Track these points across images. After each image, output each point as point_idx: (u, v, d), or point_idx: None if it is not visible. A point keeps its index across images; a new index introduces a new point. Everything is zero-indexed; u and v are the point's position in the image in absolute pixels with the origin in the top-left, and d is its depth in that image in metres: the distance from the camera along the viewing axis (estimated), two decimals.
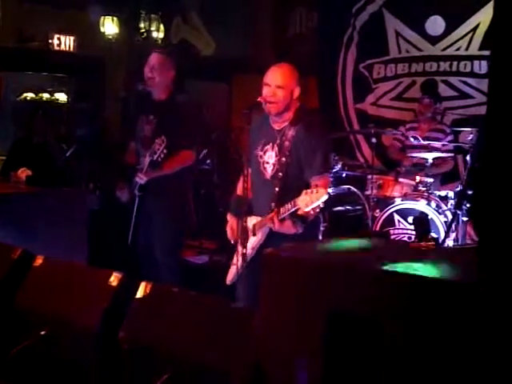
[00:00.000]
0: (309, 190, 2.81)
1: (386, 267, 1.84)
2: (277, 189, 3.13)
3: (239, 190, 3.35)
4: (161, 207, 4.02)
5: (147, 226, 4.05)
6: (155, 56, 4.06)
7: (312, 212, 2.95)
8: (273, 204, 3.10)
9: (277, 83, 3.08)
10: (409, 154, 5.49)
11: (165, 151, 3.93)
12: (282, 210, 3.00)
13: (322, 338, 1.87)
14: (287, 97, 3.10)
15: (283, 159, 3.13)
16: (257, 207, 3.21)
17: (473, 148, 4.87)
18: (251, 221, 3.18)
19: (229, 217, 3.36)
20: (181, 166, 4.01)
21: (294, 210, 2.93)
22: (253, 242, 3.15)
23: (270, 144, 3.20)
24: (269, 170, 3.21)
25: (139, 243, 4.07)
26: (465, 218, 4.78)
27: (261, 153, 3.24)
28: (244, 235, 3.04)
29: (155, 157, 3.94)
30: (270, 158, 3.20)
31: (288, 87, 3.10)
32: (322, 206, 2.85)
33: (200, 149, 4.22)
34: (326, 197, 2.77)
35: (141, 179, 3.94)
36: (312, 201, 2.78)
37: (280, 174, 3.14)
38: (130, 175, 4.06)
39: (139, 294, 2.37)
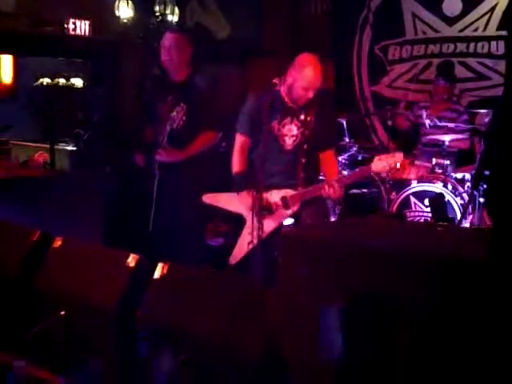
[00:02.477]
0: (383, 156, 3.06)
1: (402, 247, 1.84)
2: (303, 160, 3.33)
3: (238, 167, 3.50)
4: (184, 187, 4.00)
5: (168, 206, 4.05)
6: (170, 36, 4.03)
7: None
8: (301, 174, 3.30)
9: (315, 87, 3.29)
10: (426, 137, 5.45)
11: (184, 118, 3.92)
12: (346, 177, 3.38)
13: (339, 317, 1.88)
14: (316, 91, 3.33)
15: (307, 132, 3.34)
16: (280, 178, 3.36)
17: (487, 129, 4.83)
18: (275, 194, 3.31)
19: (239, 194, 3.41)
20: (204, 146, 3.98)
21: (364, 175, 3.40)
22: (285, 214, 3.29)
23: (289, 118, 3.39)
24: (289, 141, 3.39)
25: (158, 225, 4.07)
26: (482, 199, 4.75)
27: (278, 126, 3.39)
28: (262, 210, 3.09)
29: (174, 125, 3.92)
30: (289, 131, 3.39)
31: (321, 83, 3.32)
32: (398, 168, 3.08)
33: (222, 126, 4.19)
34: (401, 159, 3.01)
35: (160, 155, 3.94)
36: (390, 164, 3.01)
37: (305, 145, 3.34)
38: (148, 150, 4.07)
39: (157, 274, 2.39)
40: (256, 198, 3.17)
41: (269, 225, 3.23)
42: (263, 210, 3.14)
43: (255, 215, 3.15)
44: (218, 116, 4.04)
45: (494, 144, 1.73)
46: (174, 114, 3.91)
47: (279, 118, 3.38)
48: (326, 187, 3.17)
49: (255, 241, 3.15)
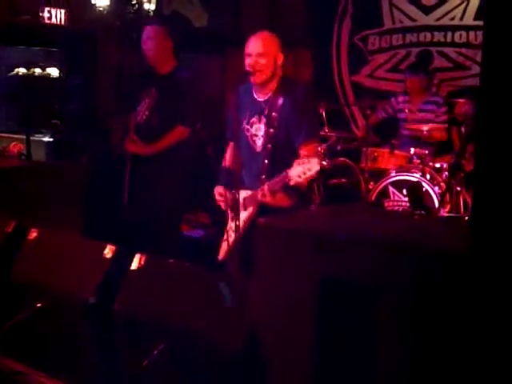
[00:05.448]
0: (300, 160, 2.74)
1: (377, 235, 1.84)
2: (266, 161, 3.09)
3: (227, 162, 3.36)
4: (156, 178, 4.02)
5: (140, 196, 4.06)
6: (147, 28, 4.05)
7: (305, 183, 2.92)
8: (263, 176, 3.06)
9: (258, 51, 3.04)
10: (405, 127, 5.50)
11: (147, 113, 3.96)
12: (272, 182, 2.95)
13: (315, 306, 1.88)
14: (271, 64, 3.07)
15: (271, 130, 3.09)
16: (248, 181, 3.16)
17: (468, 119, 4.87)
18: (242, 194, 3.12)
19: (218, 187, 3.30)
20: (174, 142, 3.99)
21: (286, 181, 2.84)
22: (244, 216, 3.08)
23: (256, 116, 3.16)
24: (258, 142, 3.16)
25: (131, 214, 4.08)
26: (459, 188, 4.80)
27: (247, 126, 3.19)
28: (236, 209, 2.99)
29: (138, 118, 4.00)
30: (258, 131, 3.15)
31: (270, 54, 3.06)
32: (314, 175, 2.80)
33: (195, 122, 4.23)
34: (318, 166, 2.69)
35: (127, 146, 4.01)
36: (304, 171, 2.71)
37: (269, 145, 3.09)
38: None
39: (134, 265, 2.38)
40: (228, 197, 3.17)
41: (241, 223, 3.04)
42: (233, 208, 3.03)
43: (229, 214, 3.17)
44: (193, 112, 4.06)
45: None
46: (139, 107, 3.98)
47: (248, 116, 3.17)
48: (259, 192, 2.97)
49: (230, 239, 3.15)
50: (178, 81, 4.00)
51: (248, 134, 3.18)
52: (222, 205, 3.28)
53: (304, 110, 3.08)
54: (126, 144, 4.04)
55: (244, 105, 3.20)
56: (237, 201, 3.00)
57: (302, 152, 2.99)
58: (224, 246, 3.27)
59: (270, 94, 3.13)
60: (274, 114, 3.08)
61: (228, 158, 3.37)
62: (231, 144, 3.35)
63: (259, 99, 3.16)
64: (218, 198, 3.28)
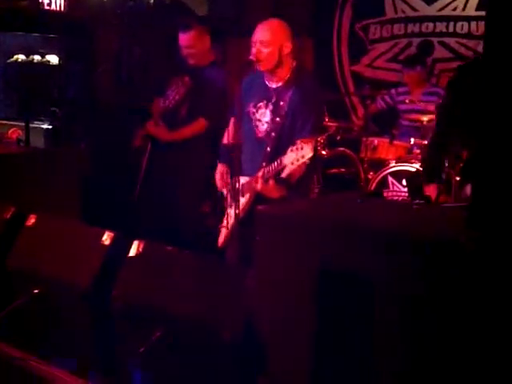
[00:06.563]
0: (294, 147, 2.75)
1: (377, 225, 1.84)
2: (269, 148, 3.09)
3: (226, 139, 3.36)
4: (175, 165, 4.04)
5: (157, 181, 4.07)
6: (183, 37, 4.03)
7: (297, 174, 2.94)
8: (264, 164, 3.05)
9: (262, 39, 3.02)
10: (405, 117, 5.48)
11: (176, 97, 3.97)
12: (267, 169, 2.97)
13: (313, 295, 1.87)
14: (275, 53, 3.04)
15: (277, 119, 3.09)
16: (248, 167, 3.14)
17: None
18: (241, 181, 3.10)
19: (219, 165, 3.35)
20: (193, 134, 4.02)
21: (279, 169, 2.87)
22: (242, 203, 3.06)
23: (264, 101, 3.15)
24: (261, 128, 3.16)
25: (145, 198, 4.09)
26: (458, 178, 4.78)
27: (253, 110, 3.19)
28: (235, 196, 3.00)
29: (167, 102, 4.01)
30: (262, 116, 3.16)
31: (275, 43, 3.03)
32: (307, 162, 2.80)
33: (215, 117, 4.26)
34: (311, 153, 2.71)
35: (150, 128, 4.04)
36: (298, 158, 2.72)
37: (273, 133, 3.09)
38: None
39: (132, 252, 2.37)
40: (228, 182, 3.20)
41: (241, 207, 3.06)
42: (233, 195, 3.06)
43: (229, 200, 3.19)
44: (216, 107, 4.06)
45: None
46: (169, 91, 4.00)
47: (255, 100, 3.17)
48: (253, 181, 3.00)
49: (229, 225, 3.18)
50: (212, 76, 4.03)
51: (253, 117, 3.19)
52: (219, 184, 3.30)
53: (313, 105, 3.09)
54: (149, 126, 4.07)
55: (253, 89, 3.19)
56: (236, 188, 3.00)
57: (298, 140, 2.96)
58: (223, 233, 3.28)
59: (281, 83, 3.13)
60: (282, 103, 3.08)
61: (229, 134, 3.35)
62: (233, 120, 3.33)
63: (270, 86, 3.16)
64: (217, 177, 3.32)
